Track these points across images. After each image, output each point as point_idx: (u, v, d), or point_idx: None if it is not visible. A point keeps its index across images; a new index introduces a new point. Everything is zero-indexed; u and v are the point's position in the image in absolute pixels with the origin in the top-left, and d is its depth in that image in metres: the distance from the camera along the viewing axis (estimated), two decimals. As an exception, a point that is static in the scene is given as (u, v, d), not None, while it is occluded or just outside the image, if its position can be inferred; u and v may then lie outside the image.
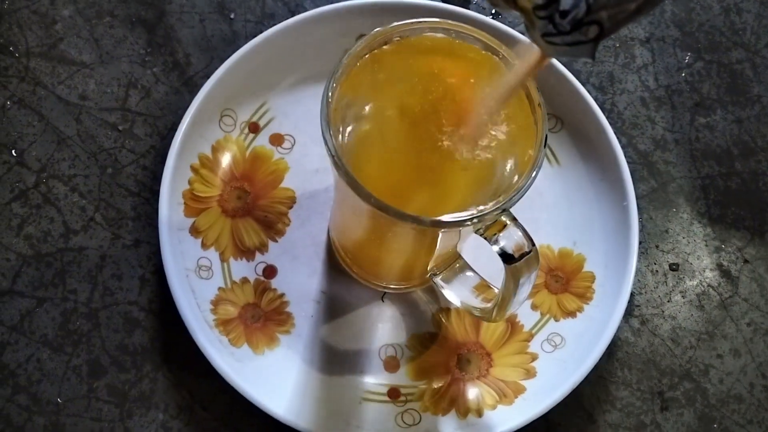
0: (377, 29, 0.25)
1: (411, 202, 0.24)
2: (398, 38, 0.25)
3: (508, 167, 0.24)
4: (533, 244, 0.25)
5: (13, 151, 0.36)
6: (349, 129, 0.25)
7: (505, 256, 0.25)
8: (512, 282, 0.25)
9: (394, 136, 0.25)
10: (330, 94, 0.24)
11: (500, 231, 0.25)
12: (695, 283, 0.37)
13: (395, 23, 0.25)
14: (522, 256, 0.25)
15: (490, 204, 0.23)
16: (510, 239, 0.25)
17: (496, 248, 0.25)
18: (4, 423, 0.32)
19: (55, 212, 0.36)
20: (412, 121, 0.25)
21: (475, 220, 0.23)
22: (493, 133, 0.24)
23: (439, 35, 0.25)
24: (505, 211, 0.23)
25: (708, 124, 0.41)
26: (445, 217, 0.23)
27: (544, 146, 0.24)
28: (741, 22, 0.43)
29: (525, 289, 0.26)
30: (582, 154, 0.37)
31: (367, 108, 0.25)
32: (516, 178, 0.24)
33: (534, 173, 0.23)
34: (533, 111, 0.24)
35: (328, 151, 0.24)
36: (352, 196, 0.24)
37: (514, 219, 0.25)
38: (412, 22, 0.25)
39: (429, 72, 0.25)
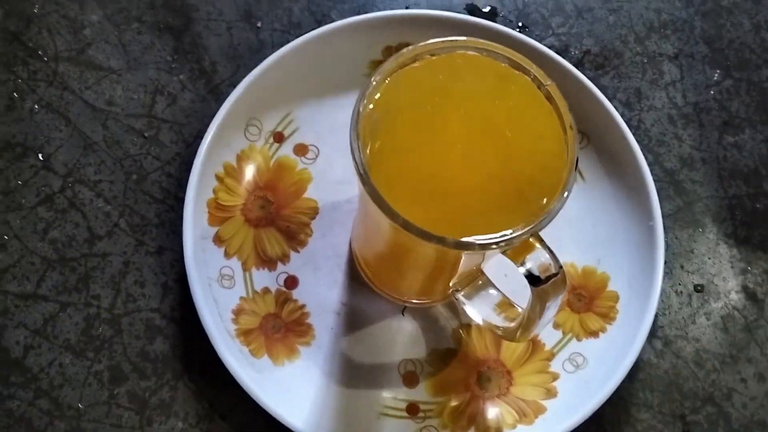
0: (409, 47, 0.25)
1: (436, 221, 0.24)
2: (429, 55, 0.25)
3: (538, 189, 0.24)
4: (560, 267, 0.25)
5: (39, 155, 0.37)
6: (377, 144, 0.25)
7: (532, 278, 0.24)
8: (538, 304, 0.25)
9: (422, 153, 0.25)
10: (361, 108, 0.24)
11: (527, 253, 0.24)
12: (720, 305, 0.37)
13: (427, 41, 0.25)
14: (549, 278, 0.25)
15: (520, 227, 0.23)
16: (537, 261, 0.24)
17: (522, 270, 0.24)
18: (26, 427, 0.32)
19: (80, 217, 0.36)
20: (442, 140, 0.24)
21: (502, 244, 0.23)
22: (524, 154, 0.24)
23: (471, 53, 0.25)
24: (533, 233, 0.23)
25: (736, 143, 0.40)
26: (472, 240, 0.23)
27: (575, 169, 0.23)
28: (772, 40, 0.42)
29: (551, 312, 0.26)
30: (608, 171, 0.37)
31: (396, 124, 0.25)
32: (545, 200, 0.24)
33: (565, 196, 0.23)
34: (564, 132, 0.24)
35: (355, 165, 0.24)
36: (376, 211, 0.24)
37: (541, 240, 0.24)
38: (444, 41, 0.25)
39: (460, 90, 0.25)
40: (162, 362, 0.34)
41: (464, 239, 0.23)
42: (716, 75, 0.41)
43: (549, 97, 0.25)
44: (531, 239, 0.24)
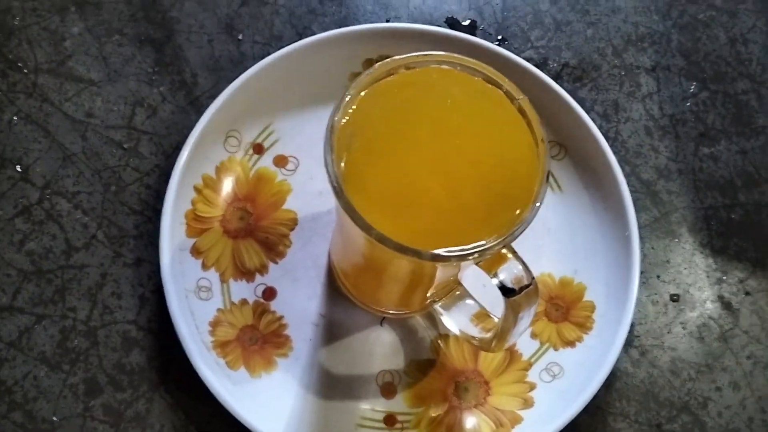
0: (384, 60, 0.25)
1: (411, 234, 0.24)
2: (404, 69, 0.25)
3: (510, 200, 0.24)
4: (533, 278, 0.25)
5: (18, 167, 0.37)
6: (351, 157, 0.25)
7: (505, 290, 0.25)
8: (511, 314, 0.25)
9: (396, 166, 0.25)
10: (335, 121, 0.24)
11: (500, 264, 0.25)
12: (696, 314, 0.37)
13: (402, 56, 0.25)
14: (522, 289, 0.25)
15: (492, 238, 0.23)
16: (510, 272, 0.25)
17: (495, 281, 0.25)
18: (0, 440, 0.32)
19: (57, 229, 0.36)
20: (415, 153, 0.25)
21: (475, 255, 0.23)
22: (496, 167, 0.24)
23: (445, 67, 0.25)
24: (506, 244, 0.23)
25: (712, 154, 0.41)
26: (446, 251, 0.23)
27: (546, 181, 0.24)
28: (747, 53, 0.43)
29: (524, 322, 0.26)
30: (585, 181, 0.37)
31: (370, 137, 0.25)
32: (518, 211, 0.24)
33: (536, 207, 0.23)
34: (536, 145, 0.24)
35: (329, 179, 0.24)
36: (350, 224, 0.24)
37: (514, 252, 0.25)
38: (418, 55, 0.25)
39: (434, 104, 0.25)
40: (138, 374, 0.33)
41: (437, 251, 0.23)
42: (692, 87, 0.42)
43: (521, 111, 0.25)
44: (504, 251, 0.24)
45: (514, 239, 0.24)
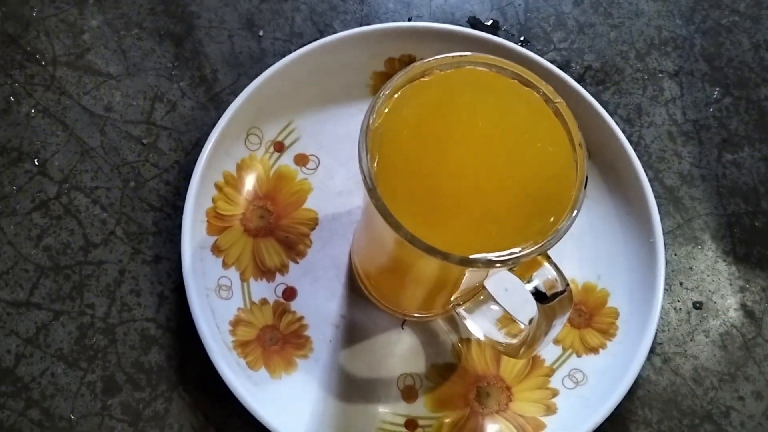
0: (418, 61, 0.25)
1: (442, 236, 0.24)
2: (438, 70, 0.25)
3: (545, 206, 0.24)
4: (567, 284, 0.24)
5: (35, 161, 0.36)
6: (384, 157, 0.24)
7: (539, 295, 0.24)
8: (544, 321, 0.25)
9: (430, 168, 0.24)
10: (370, 121, 0.24)
11: (534, 270, 0.24)
12: (719, 322, 0.37)
13: (436, 56, 0.25)
14: (555, 295, 0.24)
15: (528, 246, 0.23)
16: (543, 278, 0.24)
17: (529, 287, 0.24)
18: (16, 438, 0.31)
19: (75, 224, 0.35)
20: (450, 155, 0.24)
21: (510, 262, 0.23)
22: (532, 171, 0.24)
23: (480, 68, 0.25)
24: (542, 252, 0.23)
25: (735, 161, 0.40)
26: (480, 257, 0.23)
27: (585, 187, 0.23)
28: (770, 60, 0.43)
29: (556, 329, 0.25)
30: (609, 186, 0.37)
31: (404, 138, 0.25)
32: (552, 218, 0.23)
33: (574, 215, 0.23)
34: (574, 150, 0.24)
35: (363, 178, 0.24)
36: (381, 224, 0.24)
37: (548, 258, 0.24)
38: (453, 56, 0.25)
39: (469, 106, 0.25)
40: (157, 373, 0.33)
41: (471, 256, 0.23)
42: (716, 93, 0.42)
43: (558, 114, 0.25)
44: (539, 257, 0.24)
45: (550, 247, 0.23)
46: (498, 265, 0.23)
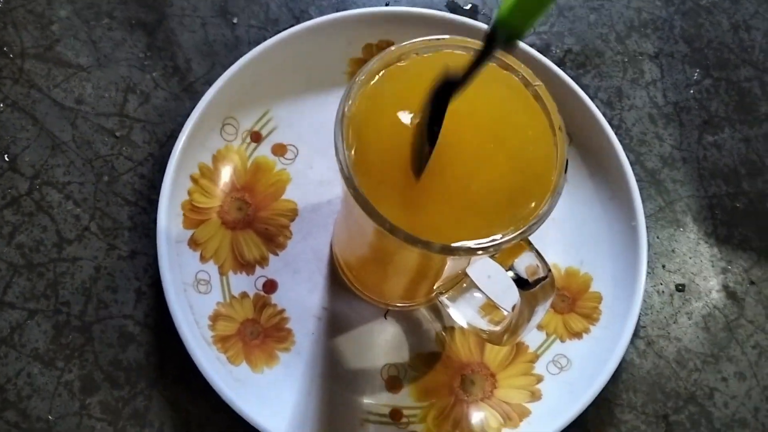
0: (394, 46, 0.24)
1: (422, 225, 0.23)
2: (414, 54, 0.24)
3: (526, 192, 0.23)
4: (549, 270, 0.24)
5: (5, 156, 0.35)
6: (361, 145, 0.24)
7: (520, 282, 0.24)
8: (527, 308, 0.25)
9: (407, 155, 0.24)
10: (345, 109, 0.23)
11: (515, 256, 0.24)
12: (701, 304, 0.37)
13: (413, 40, 0.24)
14: (537, 281, 0.24)
15: (509, 232, 0.22)
16: (525, 264, 0.24)
17: (510, 274, 0.24)
18: (-8, 440, 0.31)
19: (48, 221, 0.34)
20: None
21: (491, 249, 0.22)
22: (512, 156, 0.23)
23: (457, 52, 0.25)
24: (523, 238, 0.23)
25: (716, 142, 0.40)
26: (461, 245, 0.22)
27: (565, 171, 0.23)
28: (750, 40, 0.43)
29: (539, 315, 0.25)
30: (590, 171, 0.37)
31: (381, 124, 0.24)
32: (533, 203, 0.23)
33: (555, 200, 0.23)
34: (554, 134, 0.24)
35: (340, 167, 0.23)
36: (361, 214, 0.23)
37: (529, 244, 0.24)
38: (429, 39, 0.24)
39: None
40: (135, 370, 0.32)
41: (453, 244, 0.22)
42: (696, 74, 0.42)
43: (537, 98, 0.24)
44: (520, 243, 0.23)
45: (532, 233, 0.23)
46: (479, 252, 0.23)
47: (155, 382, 0.32)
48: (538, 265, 0.24)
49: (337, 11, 0.38)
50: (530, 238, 0.24)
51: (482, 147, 0.23)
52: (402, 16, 0.37)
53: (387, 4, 0.41)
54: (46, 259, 0.34)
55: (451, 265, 0.27)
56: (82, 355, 0.32)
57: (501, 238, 0.22)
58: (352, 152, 0.23)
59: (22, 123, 0.36)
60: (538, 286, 0.24)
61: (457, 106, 0.24)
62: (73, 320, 0.33)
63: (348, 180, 0.23)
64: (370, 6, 0.41)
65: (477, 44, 0.24)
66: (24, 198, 0.35)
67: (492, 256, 0.24)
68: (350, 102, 0.23)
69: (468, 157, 0.24)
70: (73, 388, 0.32)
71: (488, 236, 0.22)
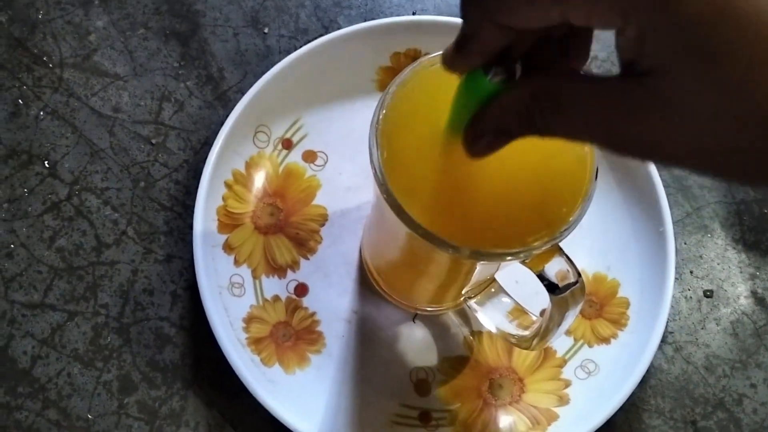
0: (426, 56, 0.25)
1: (455, 230, 0.24)
2: (446, 64, 0.25)
3: (557, 198, 0.24)
4: (579, 275, 0.25)
5: (46, 163, 0.36)
6: (394, 151, 0.24)
7: (551, 287, 0.24)
8: (557, 312, 0.25)
9: (440, 161, 0.24)
10: (380, 116, 0.24)
11: (546, 261, 0.24)
12: (729, 310, 0.37)
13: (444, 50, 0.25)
14: (567, 286, 0.24)
15: (540, 237, 0.23)
16: (555, 270, 0.24)
17: (541, 279, 0.24)
18: (35, 438, 0.32)
19: (87, 225, 0.36)
20: (459, 147, 0.24)
21: (521, 255, 0.23)
22: (544, 162, 0.24)
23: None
24: (554, 245, 0.23)
25: (743, 148, 0.40)
26: (490, 250, 0.23)
27: (596, 178, 0.23)
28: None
29: (569, 320, 0.26)
30: (618, 177, 0.37)
31: (413, 131, 0.25)
32: (564, 209, 0.24)
33: (586, 205, 0.23)
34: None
35: (374, 173, 0.24)
36: (393, 219, 0.24)
37: (560, 249, 0.24)
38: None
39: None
40: (172, 371, 0.33)
41: (483, 249, 0.23)
42: (722, 80, 0.42)
43: (567, 106, 0.25)
44: (551, 248, 0.24)
45: (563, 239, 0.23)
46: (510, 257, 0.23)
47: (191, 383, 0.33)
48: (568, 270, 0.25)
49: (365, 20, 0.38)
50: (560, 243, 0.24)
51: (515, 152, 0.24)
52: (428, 24, 0.38)
53: (414, 13, 0.42)
54: (86, 262, 0.35)
55: (480, 270, 0.28)
56: (120, 355, 0.33)
57: (532, 243, 0.23)
58: (385, 158, 0.24)
59: (61, 131, 0.37)
60: (568, 291, 0.24)
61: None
62: (111, 322, 0.34)
63: (381, 185, 0.24)
64: (397, 15, 0.41)
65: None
66: (64, 203, 0.36)
67: (522, 262, 0.24)
68: (384, 110, 0.24)
69: (500, 162, 0.24)
70: (111, 387, 0.33)
71: (519, 241, 0.23)
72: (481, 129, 0.21)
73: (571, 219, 0.23)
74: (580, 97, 0.18)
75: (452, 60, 0.21)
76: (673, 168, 0.24)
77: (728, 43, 0.15)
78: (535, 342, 0.28)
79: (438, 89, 0.25)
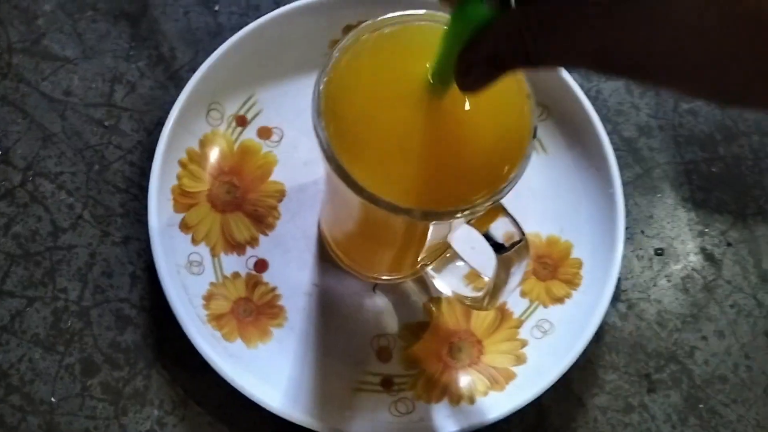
0: (367, 22, 0.25)
1: (402, 193, 0.24)
2: (387, 29, 0.25)
3: (498, 158, 0.24)
4: (523, 234, 0.25)
5: (-3, 150, 0.36)
6: (339, 121, 0.25)
7: (496, 246, 0.25)
8: (503, 271, 0.26)
9: (384, 126, 0.25)
10: (321, 87, 0.24)
11: (491, 221, 0.25)
12: (680, 267, 0.38)
13: (384, 16, 0.25)
14: (512, 245, 0.25)
15: (482, 195, 0.23)
16: (500, 229, 0.25)
17: (487, 238, 0.25)
18: (-2, 423, 0.32)
19: (42, 211, 0.35)
20: (402, 112, 0.25)
21: (467, 213, 0.23)
22: (484, 123, 0.24)
23: (430, 23, 0.25)
24: (496, 201, 0.24)
25: (691, 109, 0.41)
26: (436, 209, 0.23)
27: (534, 137, 0.24)
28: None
29: (516, 278, 0.26)
30: (568, 142, 0.38)
31: (356, 99, 0.25)
32: (506, 168, 0.24)
33: (525, 163, 0.24)
34: (522, 102, 0.25)
35: (319, 143, 0.24)
36: (343, 188, 0.24)
37: (504, 209, 0.25)
38: (400, 15, 0.25)
39: (418, 61, 0.25)
40: (134, 352, 0.33)
41: (429, 209, 0.23)
42: (670, 44, 0.42)
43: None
44: (494, 208, 0.25)
45: (504, 196, 0.24)
46: (458, 215, 0.24)
47: (153, 362, 0.33)
48: (513, 231, 0.25)
49: (316, -5, 0.38)
50: (510, 208, 0.25)
51: (455, 115, 0.24)
52: (380, -4, 0.38)
53: (365, -13, 0.42)
54: (42, 248, 0.35)
55: (433, 231, 0.28)
56: (82, 338, 0.33)
57: (475, 202, 0.23)
58: (331, 128, 0.24)
59: (12, 117, 0.37)
60: (512, 250, 0.25)
61: (427, 76, 0.25)
62: (71, 306, 0.34)
63: (328, 155, 0.24)
64: (348, -11, 0.41)
65: (446, 17, 0.25)
66: (18, 189, 0.36)
67: (469, 222, 0.25)
68: (325, 78, 0.24)
69: (442, 126, 0.24)
70: (74, 371, 0.33)
71: (464, 200, 0.23)
72: (474, 58, 0.20)
73: (510, 176, 0.23)
74: (572, 17, 0.17)
75: None
76: (662, 88, 0.24)
77: None
78: (486, 301, 0.29)
79: (380, 52, 0.25)
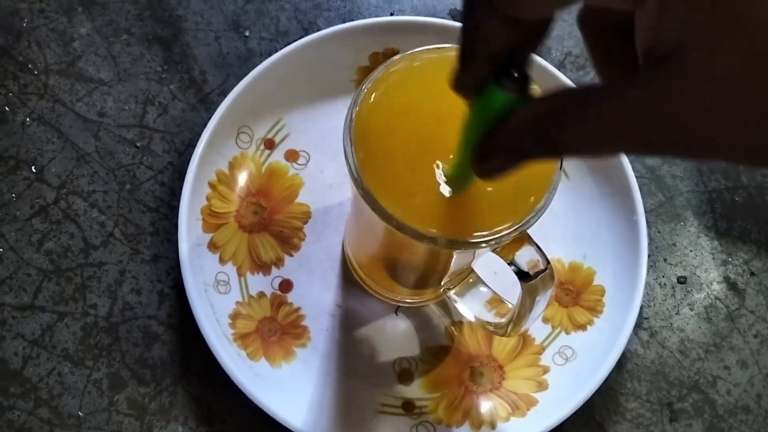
0: (398, 54, 0.26)
1: (428, 221, 0.25)
2: (419, 62, 0.26)
3: (525, 188, 0.25)
4: (548, 262, 0.26)
5: (33, 168, 0.37)
6: (369, 148, 0.25)
7: (521, 274, 0.25)
8: (528, 299, 0.26)
9: (413, 155, 0.25)
10: (353, 114, 0.25)
11: (516, 250, 0.25)
12: (703, 295, 0.38)
13: (416, 49, 0.26)
14: (537, 273, 0.25)
15: (508, 225, 0.24)
16: (525, 257, 0.25)
17: (512, 267, 0.25)
18: (27, 436, 0.33)
19: (74, 228, 0.36)
20: (432, 141, 0.25)
21: (492, 242, 0.24)
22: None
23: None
24: (522, 231, 0.24)
25: (714, 138, 0.41)
26: (463, 239, 0.24)
27: (561, 168, 0.24)
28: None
29: (540, 306, 0.26)
30: (591, 168, 0.38)
31: (387, 128, 0.25)
32: (533, 198, 0.25)
33: (552, 194, 0.24)
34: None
35: (349, 169, 0.25)
36: (369, 213, 0.25)
37: (529, 237, 0.25)
38: (432, 48, 0.26)
39: (449, 93, 0.25)
40: (160, 368, 0.34)
41: (455, 238, 0.24)
42: (693, 73, 0.43)
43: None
44: (519, 237, 0.25)
45: (530, 226, 0.24)
46: (483, 245, 0.24)
47: (179, 379, 0.34)
48: (538, 259, 0.25)
49: (344, 22, 0.39)
50: (533, 234, 0.25)
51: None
52: (406, 24, 0.39)
53: (392, 14, 0.43)
54: (74, 264, 0.36)
55: (457, 259, 0.29)
56: (110, 354, 0.34)
57: (501, 231, 0.24)
58: (360, 154, 0.25)
59: (47, 136, 0.38)
60: (538, 278, 0.25)
61: (458, 108, 0.25)
62: (100, 321, 0.35)
63: (357, 181, 0.24)
64: (375, 16, 0.42)
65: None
66: (51, 207, 0.37)
67: (494, 250, 0.25)
68: (357, 108, 0.25)
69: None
70: (101, 385, 0.34)
71: (491, 230, 0.24)
72: (493, 147, 0.19)
73: (536, 207, 0.24)
74: (605, 103, 0.16)
75: (460, 77, 0.19)
76: (711, 161, 0.21)
77: (753, 5, 0.14)
78: (510, 328, 0.29)
79: (410, 84, 0.26)
